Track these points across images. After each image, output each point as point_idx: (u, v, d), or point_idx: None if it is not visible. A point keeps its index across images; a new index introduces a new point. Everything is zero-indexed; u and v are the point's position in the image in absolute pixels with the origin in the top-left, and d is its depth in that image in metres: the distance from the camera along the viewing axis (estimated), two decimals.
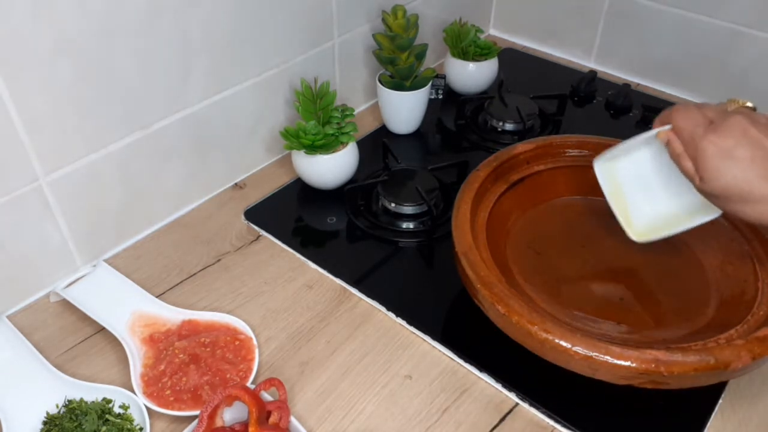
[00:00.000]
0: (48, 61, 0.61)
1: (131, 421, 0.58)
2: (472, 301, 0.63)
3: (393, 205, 0.80)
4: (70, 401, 0.59)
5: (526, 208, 0.76)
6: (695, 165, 0.55)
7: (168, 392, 0.60)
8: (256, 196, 0.85)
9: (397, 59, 0.89)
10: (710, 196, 0.55)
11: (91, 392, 0.60)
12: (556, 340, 0.56)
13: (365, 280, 0.73)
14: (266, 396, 0.58)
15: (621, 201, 0.67)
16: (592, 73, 1.07)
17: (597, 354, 0.54)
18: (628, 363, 0.54)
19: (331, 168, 0.81)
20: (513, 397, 0.62)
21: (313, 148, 0.79)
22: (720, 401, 0.61)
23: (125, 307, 0.67)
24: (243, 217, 0.82)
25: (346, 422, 0.60)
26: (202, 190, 0.84)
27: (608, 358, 0.54)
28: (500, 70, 1.04)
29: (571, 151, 0.78)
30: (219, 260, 0.76)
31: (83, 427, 0.56)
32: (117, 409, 0.59)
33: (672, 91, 1.06)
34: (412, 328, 0.68)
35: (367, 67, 0.98)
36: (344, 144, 0.81)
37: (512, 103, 0.97)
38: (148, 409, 0.58)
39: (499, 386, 0.63)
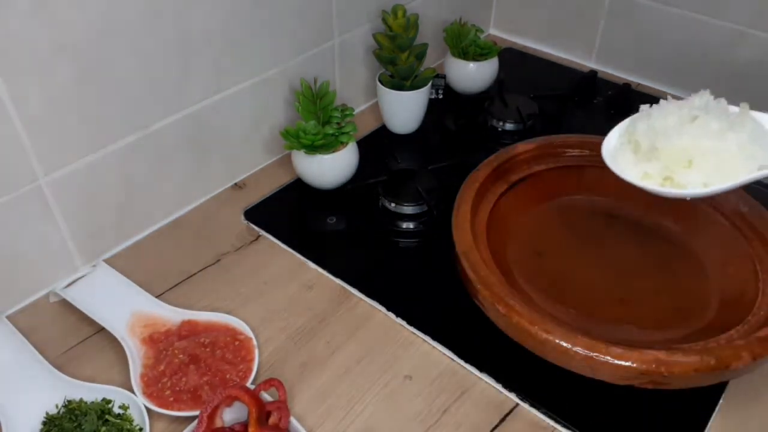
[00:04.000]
0: (48, 62, 0.61)
1: (131, 421, 0.58)
2: (472, 301, 0.63)
3: (393, 205, 0.80)
4: (69, 401, 0.59)
5: (526, 208, 0.76)
6: None
7: (168, 392, 0.60)
8: (256, 196, 0.85)
9: (397, 59, 0.89)
10: None
11: (90, 392, 0.60)
12: (557, 341, 0.56)
13: (365, 280, 0.73)
14: (266, 396, 0.58)
15: None
16: (592, 73, 1.07)
17: (597, 354, 0.54)
18: (628, 363, 0.54)
19: (331, 168, 0.81)
20: (513, 397, 0.62)
21: (313, 148, 0.79)
22: (720, 401, 0.61)
23: (125, 308, 0.67)
24: (243, 217, 0.81)
25: (346, 422, 0.60)
26: (202, 190, 0.84)
27: (608, 358, 0.54)
28: (500, 70, 1.04)
29: (571, 151, 0.78)
30: (219, 260, 0.76)
31: (83, 427, 0.56)
32: (116, 410, 0.59)
33: (672, 91, 1.06)
34: (412, 328, 0.68)
35: (367, 67, 0.98)
36: (344, 144, 0.81)
37: (512, 103, 0.97)
38: (147, 409, 0.58)
39: (499, 386, 0.63)
